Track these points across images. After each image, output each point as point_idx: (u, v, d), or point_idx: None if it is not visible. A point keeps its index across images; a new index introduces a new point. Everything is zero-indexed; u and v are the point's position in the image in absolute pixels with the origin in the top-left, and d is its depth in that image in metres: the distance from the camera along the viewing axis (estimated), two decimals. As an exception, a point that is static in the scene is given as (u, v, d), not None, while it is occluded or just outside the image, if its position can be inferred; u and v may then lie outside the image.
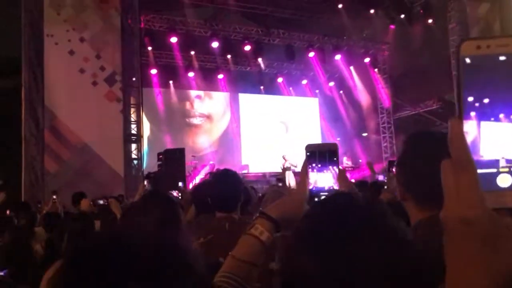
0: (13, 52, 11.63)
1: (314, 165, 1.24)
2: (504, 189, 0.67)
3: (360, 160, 16.95)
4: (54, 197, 7.30)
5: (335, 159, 1.25)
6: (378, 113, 18.21)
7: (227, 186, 2.88)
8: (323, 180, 1.23)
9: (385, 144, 17.89)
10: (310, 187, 1.24)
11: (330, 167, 1.23)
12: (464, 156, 0.65)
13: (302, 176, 1.26)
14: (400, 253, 0.76)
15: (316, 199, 1.21)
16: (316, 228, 0.81)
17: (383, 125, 18.05)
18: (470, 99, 0.64)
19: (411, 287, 0.74)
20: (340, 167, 1.25)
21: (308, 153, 1.25)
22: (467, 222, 0.63)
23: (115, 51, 12.36)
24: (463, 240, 0.64)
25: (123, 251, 0.60)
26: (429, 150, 1.64)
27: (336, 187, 1.23)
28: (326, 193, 1.22)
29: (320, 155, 1.24)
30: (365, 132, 18.13)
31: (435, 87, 15.52)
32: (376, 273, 0.73)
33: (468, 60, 0.63)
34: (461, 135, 0.65)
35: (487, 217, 0.63)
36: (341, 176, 1.25)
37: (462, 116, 0.66)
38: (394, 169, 3.53)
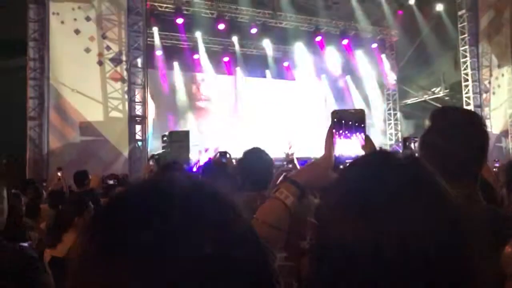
0: (19, 32, 11.57)
1: (340, 131, 1.19)
2: None
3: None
4: (59, 174, 7.26)
5: (362, 126, 1.20)
6: (384, 99, 18.12)
7: (260, 165, 2.75)
8: (349, 147, 1.19)
9: (390, 131, 17.84)
10: (336, 154, 1.19)
11: (357, 134, 1.19)
12: None
13: (327, 143, 1.21)
14: (449, 215, 0.71)
15: (341, 166, 1.16)
16: (355, 192, 0.74)
17: (389, 112, 17.97)
18: None
19: (459, 252, 0.69)
20: (367, 134, 1.20)
21: (334, 119, 1.20)
22: None
23: (121, 31, 12.30)
24: None
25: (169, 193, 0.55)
26: (449, 124, 1.63)
27: (362, 154, 1.17)
28: (351, 160, 1.16)
29: (346, 121, 1.19)
30: (370, 119, 18.07)
31: (442, 74, 15.42)
32: (425, 238, 0.67)
33: None
34: None
35: None
36: (367, 143, 1.19)
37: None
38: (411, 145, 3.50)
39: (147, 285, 0.48)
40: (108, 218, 0.54)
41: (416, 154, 1.68)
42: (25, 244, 2.36)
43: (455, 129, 1.59)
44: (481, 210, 1.50)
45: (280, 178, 1.26)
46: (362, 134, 1.19)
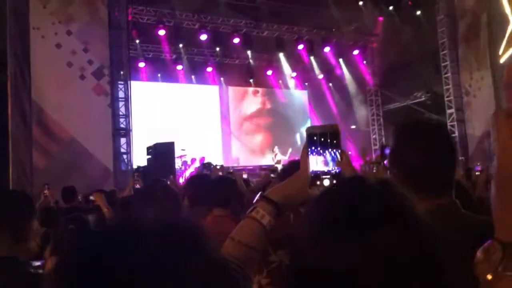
0: (0, 47, 11.45)
1: (314, 147, 1.19)
2: None
3: (350, 152, 17.00)
4: (46, 190, 7.14)
5: (336, 141, 1.19)
6: (367, 105, 18.28)
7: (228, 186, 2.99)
8: (324, 163, 1.18)
9: (374, 136, 17.98)
10: (311, 170, 1.18)
11: (331, 149, 1.18)
12: None
13: (302, 159, 1.21)
14: (421, 240, 0.73)
15: (318, 182, 1.16)
16: (333, 215, 0.78)
17: (372, 117, 18.13)
18: None
19: (431, 274, 0.71)
20: (343, 149, 1.20)
21: (308, 135, 1.20)
22: None
23: (103, 44, 12.23)
24: None
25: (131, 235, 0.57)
26: (422, 140, 1.63)
27: (337, 170, 1.17)
28: (327, 176, 1.17)
29: (321, 137, 1.19)
30: (354, 125, 18.19)
31: (423, 79, 15.62)
32: (397, 260, 0.70)
33: None
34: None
35: None
36: (344, 160, 1.19)
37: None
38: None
39: None
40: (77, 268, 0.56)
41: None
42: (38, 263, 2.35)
43: (424, 145, 1.61)
44: (460, 220, 1.52)
45: (256, 197, 1.26)
46: (337, 149, 1.18)
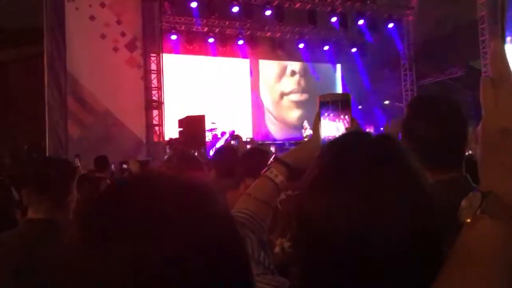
0: (35, 20, 11.68)
1: (326, 114, 1.25)
2: None
3: (382, 129, 16.76)
4: (77, 160, 7.33)
5: (347, 108, 1.25)
6: (401, 80, 17.90)
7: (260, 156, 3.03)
8: (336, 129, 1.24)
9: (407, 112, 17.66)
10: (323, 135, 1.25)
11: (343, 116, 1.24)
12: (504, 71, 0.72)
13: (315, 125, 1.28)
14: (417, 192, 0.77)
15: None
16: (327, 168, 0.82)
17: (406, 93, 17.76)
18: None
19: (424, 231, 0.75)
20: (352, 116, 1.25)
21: (321, 103, 1.26)
22: (506, 132, 0.70)
23: (136, 16, 12.33)
24: (502, 151, 0.71)
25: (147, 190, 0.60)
26: (432, 113, 1.67)
27: None
28: None
29: (333, 104, 1.25)
30: (387, 100, 17.87)
31: (460, 53, 15.14)
32: (393, 212, 0.74)
33: None
34: (502, 52, 0.72)
35: None
36: (354, 125, 1.24)
37: (504, 35, 0.73)
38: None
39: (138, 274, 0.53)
40: (106, 209, 0.59)
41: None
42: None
43: (435, 118, 1.64)
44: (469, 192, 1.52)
45: (271, 159, 1.32)
46: (347, 116, 1.24)
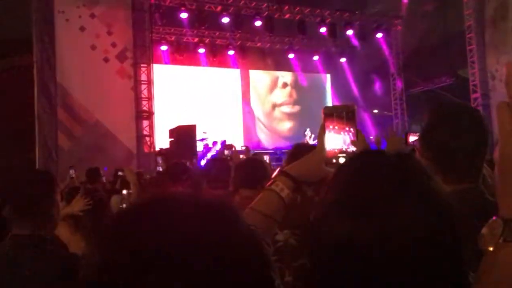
0: (25, 31, 11.63)
1: (331, 126, 1.22)
2: None
3: (371, 137, 16.83)
4: (72, 171, 7.22)
5: (352, 120, 1.23)
6: (390, 89, 18.04)
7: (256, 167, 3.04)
8: (341, 141, 1.22)
9: (396, 121, 17.78)
10: (327, 148, 1.23)
11: (348, 128, 1.22)
12: None
13: (319, 137, 1.26)
14: (438, 215, 0.74)
15: (334, 160, 1.20)
16: (345, 190, 0.79)
17: (395, 101, 17.90)
18: None
19: (445, 252, 0.73)
20: (358, 129, 1.23)
21: (325, 114, 1.24)
22: None
23: (126, 27, 12.33)
24: None
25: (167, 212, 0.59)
26: (455, 122, 1.62)
27: (353, 148, 1.21)
28: (343, 154, 1.21)
29: (337, 116, 1.23)
30: (376, 109, 17.98)
31: (448, 62, 15.31)
32: (411, 236, 0.71)
33: None
34: None
35: None
36: (359, 138, 1.22)
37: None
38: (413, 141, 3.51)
39: None
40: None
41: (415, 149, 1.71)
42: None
43: (457, 127, 1.61)
44: (481, 205, 1.49)
45: (276, 172, 1.30)
46: (353, 128, 1.22)
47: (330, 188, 0.83)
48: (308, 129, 14.84)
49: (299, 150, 2.90)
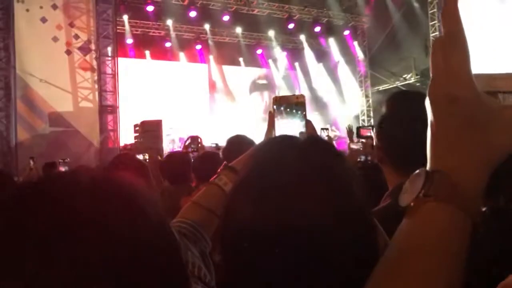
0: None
1: (280, 116, 1.21)
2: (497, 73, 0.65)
3: (338, 133, 16.95)
4: (32, 163, 7.00)
5: (301, 111, 1.21)
6: (357, 86, 18.27)
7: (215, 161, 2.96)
8: (289, 132, 1.18)
9: (363, 118, 18.02)
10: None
11: (297, 117, 1.20)
12: (456, 30, 0.62)
13: (268, 128, 1.24)
14: (344, 198, 0.71)
15: None
16: (250, 174, 0.77)
17: (361, 98, 18.13)
18: None
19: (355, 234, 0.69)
20: (308, 119, 1.21)
21: (275, 104, 1.22)
22: (454, 99, 0.61)
23: (89, 19, 12.05)
24: (448, 118, 0.62)
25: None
26: (407, 112, 1.54)
27: None
28: None
29: (287, 106, 1.21)
30: (344, 106, 18.16)
31: (413, 60, 15.60)
32: (315, 218, 0.68)
33: None
34: (455, 10, 0.62)
35: (475, 97, 0.60)
36: (308, 128, 1.20)
37: None
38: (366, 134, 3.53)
39: None
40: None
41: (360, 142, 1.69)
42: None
43: (409, 118, 1.58)
44: None
45: (221, 167, 1.29)
46: (302, 119, 1.20)
47: (240, 173, 0.82)
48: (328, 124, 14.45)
49: (238, 141, 2.83)
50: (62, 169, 6.13)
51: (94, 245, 0.50)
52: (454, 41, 0.62)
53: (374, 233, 0.74)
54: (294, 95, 1.24)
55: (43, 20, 11.53)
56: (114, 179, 0.59)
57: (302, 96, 1.24)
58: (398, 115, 1.58)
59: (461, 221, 0.59)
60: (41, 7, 11.48)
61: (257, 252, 0.68)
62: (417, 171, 0.63)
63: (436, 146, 0.63)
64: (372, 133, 5.03)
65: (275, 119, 1.21)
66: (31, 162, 7.09)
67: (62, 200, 0.53)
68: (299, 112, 1.21)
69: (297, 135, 1.18)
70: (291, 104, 1.21)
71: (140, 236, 0.53)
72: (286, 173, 0.72)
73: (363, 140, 5.45)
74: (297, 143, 0.80)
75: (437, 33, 14.59)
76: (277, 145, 0.83)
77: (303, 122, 1.20)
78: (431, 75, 0.64)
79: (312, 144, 0.80)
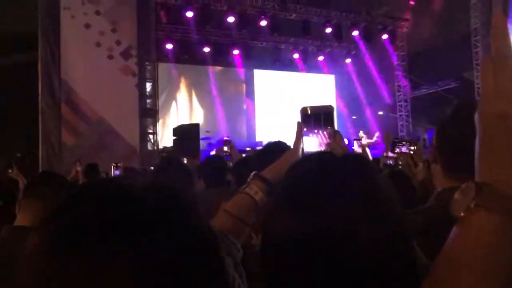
0: (30, 26, 11.67)
1: (308, 127, 1.21)
2: None
3: (377, 139, 16.72)
4: (78, 166, 7.11)
5: (330, 121, 1.21)
6: (395, 91, 17.98)
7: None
8: (317, 142, 1.20)
9: (401, 123, 17.72)
10: (304, 149, 1.21)
11: (324, 129, 1.20)
12: (505, 51, 0.64)
13: (296, 139, 1.24)
14: (379, 211, 0.73)
15: None
16: (291, 187, 0.79)
17: (400, 103, 17.84)
18: None
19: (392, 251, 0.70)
20: (337, 130, 1.21)
21: (302, 116, 1.22)
22: (504, 116, 0.63)
23: (131, 25, 12.34)
24: (499, 134, 0.65)
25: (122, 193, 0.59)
26: (471, 121, 1.60)
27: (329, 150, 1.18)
28: None
29: (315, 117, 1.21)
30: (381, 111, 17.92)
31: (453, 65, 15.25)
32: (347, 236, 0.69)
33: None
34: (504, 29, 0.64)
35: None
36: (336, 138, 1.20)
37: (507, 10, 0.66)
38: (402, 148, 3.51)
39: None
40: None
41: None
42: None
43: (467, 125, 1.59)
44: None
45: (251, 175, 1.28)
46: (330, 129, 1.20)
47: (280, 186, 0.83)
48: (361, 131, 14.37)
49: (270, 149, 2.88)
50: (117, 172, 6.24)
51: (161, 247, 0.54)
52: (503, 59, 0.64)
53: (413, 247, 0.76)
54: (322, 105, 1.23)
55: (87, 26, 11.89)
56: (171, 187, 0.63)
57: (331, 106, 1.24)
58: (457, 120, 1.60)
59: (511, 231, 0.62)
60: (85, 14, 11.84)
61: (302, 265, 0.70)
62: (467, 183, 0.66)
63: (486, 159, 0.66)
64: (406, 149, 5.03)
65: (303, 130, 1.21)
66: (78, 165, 7.24)
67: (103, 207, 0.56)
68: (328, 122, 1.21)
69: (325, 145, 1.20)
70: (318, 115, 1.21)
71: (195, 245, 0.58)
72: (329, 186, 0.74)
73: (397, 154, 5.41)
74: (335, 157, 0.83)
75: (478, 37, 14.24)
76: (316, 158, 0.85)
77: (331, 132, 1.20)
78: (480, 92, 0.67)
79: (350, 158, 0.83)
